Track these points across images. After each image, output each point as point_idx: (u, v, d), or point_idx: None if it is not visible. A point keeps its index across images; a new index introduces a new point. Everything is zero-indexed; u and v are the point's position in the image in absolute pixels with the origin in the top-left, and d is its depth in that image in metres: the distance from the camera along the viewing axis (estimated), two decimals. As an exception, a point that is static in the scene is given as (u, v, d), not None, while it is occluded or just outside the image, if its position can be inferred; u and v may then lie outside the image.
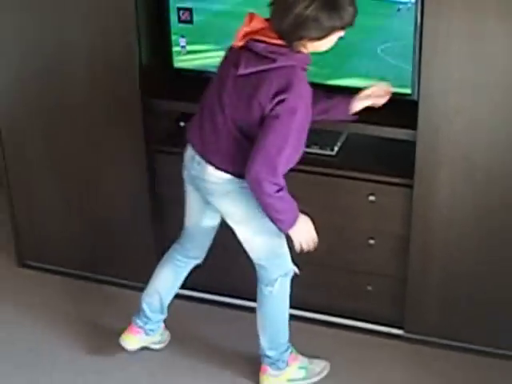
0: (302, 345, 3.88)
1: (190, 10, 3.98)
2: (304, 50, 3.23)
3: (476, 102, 3.57)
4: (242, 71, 3.20)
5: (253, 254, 3.62)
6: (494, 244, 3.81)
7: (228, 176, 3.37)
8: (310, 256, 3.63)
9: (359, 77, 3.70)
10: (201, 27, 4.03)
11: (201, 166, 3.43)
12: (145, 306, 3.88)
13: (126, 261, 4.49)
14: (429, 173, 3.75)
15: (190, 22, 3.99)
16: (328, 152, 3.79)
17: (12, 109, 4.31)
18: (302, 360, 3.85)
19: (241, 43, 3.25)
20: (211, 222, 3.74)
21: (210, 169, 3.39)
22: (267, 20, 3.25)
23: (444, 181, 3.75)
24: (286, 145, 3.18)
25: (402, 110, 3.68)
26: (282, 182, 3.24)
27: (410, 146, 3.72)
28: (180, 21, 4.00)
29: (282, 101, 3.12)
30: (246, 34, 3.24)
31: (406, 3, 3.61)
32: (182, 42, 4.05)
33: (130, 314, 4.06)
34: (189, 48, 4.08)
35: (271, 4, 3.16)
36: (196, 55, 4.10)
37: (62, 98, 4.17)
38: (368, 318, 4.21)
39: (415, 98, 3.68)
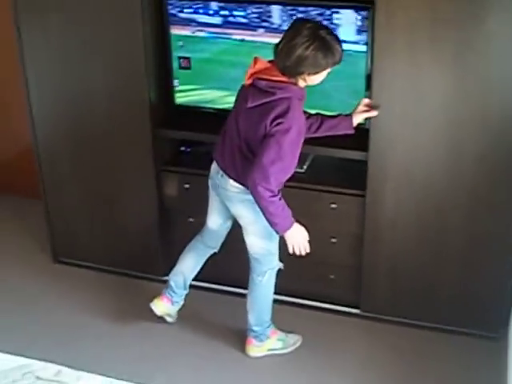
0: (280, 322, 3.92)
1: (188, 58, 3.97)
2: (302, 84, 3.29)
3: (415, 130, 3.61)
4: (250, 105, 3.27)
5: (252, 249, 3.66)
6: (430, 240, 3.83)
7: (243, 187, 3.41)
8: (286, 250, 3.61)
9: (322, 109, 3.69)
10: (196, 72, 4.01)
11: (223, 178, 3.48)
12: (172, 283, 3.92)
13: (138, 259, 4.47)
14: (378, 185, 3.78)
15: (189, 68, 3.99)
16: (298, 170, 3.80)
17: (49, 137, 4.29)
18: (280, 334, 3.88)
19: (249, 82, 3.32)
20: (227, 221, 3.77)
21: (231, 181, 3.45)
22: (269, 61, 3.30)
23: (390, 192, 3.78)
24: (279, 158, 3.21)
25: (356, 136, 3.66)
26: (275, 189, 3.25)
27: (363, 164, 3.76)
28: (180, 67, 3.99)
29: (279, 124, 3.18)
30: (252, 74, 3.31)
31: (360, 52, 3.63)
32: (176, 82, 4.05)
33: (143, 296, 4.14)
34: (185, 88, 4.07)
35: (276, 47, 3.22)
36: (192, 93, 4.09)
37: (88, 128, 4.16)
38: (331, 300, 4.22)
39: (367, 126, 3.69)
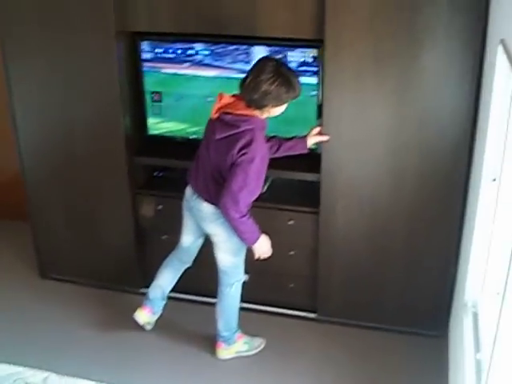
0: (246, 327, 4.11)
1: (159, 93, 4.15)
2: (264, 115, 3.47)
3: (361, 153, 3.80)
4: (218, 137, 3.47)
5: (222, 264, 3.84)
6: (377, 251, 4.03)
7: (216, 208, 3.60)
8: (250, 263, 3.86)
9: (280, 133, 3.84)
10: (167, 105, 4.16)
11: (198, 200, 3.68)
12: (152, 296, 4.08)
13: (117, 273, 4.59)
14: (329, 203, 3.99)
15: (160, 101, 4.16)
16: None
17: (34, 162, 4.43)
18: (246, 337, 4.10)
19: (216, 116, 3.50)
20: (198, 239, 3.95)
21: (205, 204, 3.65)
22: (233, 95, 3.51)
23: (341, 209, 3.98)
24: (246, 185, 3.42)
25: (310, 160, 3.88)
26: (245, 210, 3.48)
27: (317, 185, 3.97)
28: (153, 101, 4.17)
29: (244, 154, 3.39)
30: (219, 109, 3.49)
31: (312, 84, 3.83)
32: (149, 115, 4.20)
33: (122, 307, 4.32)
34: (157, 120, 4.21)
35: (243, 82, 3.40)
36: (163, 124, 4.23)
37: (69, 155, 4.31)
38: (291, 306, 4.39)
39: (319, 151, 3.88)
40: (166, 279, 4.10)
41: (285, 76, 3.39)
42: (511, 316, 2.52)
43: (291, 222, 4.12)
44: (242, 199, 3.45)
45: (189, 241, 3.96)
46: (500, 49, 2.74)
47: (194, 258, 4.06)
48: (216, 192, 3.55)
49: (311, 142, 3.82)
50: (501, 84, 2.91)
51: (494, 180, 3.09)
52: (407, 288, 4.12)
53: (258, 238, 3.65)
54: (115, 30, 3.91)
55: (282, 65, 3.45)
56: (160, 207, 4.25)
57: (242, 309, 4.08)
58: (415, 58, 3.55)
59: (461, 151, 3.69)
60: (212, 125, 3.56)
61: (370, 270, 4.13)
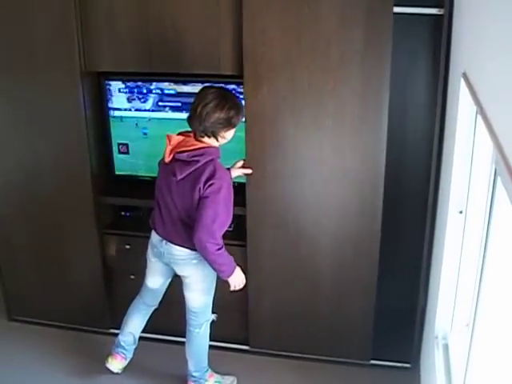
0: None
1: (126, 144, 4.16)
2: (219, 143, 3.46)
3: (287, 185, 3.82)
4: (179, 177, 3.41)
5: (192, 304, 3.78)
6: (305, 281, 4.01)
7: (190, 251, 3.55)
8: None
9: None
10: (133, 151, 4.16)
11: (169, 245, 3.60)
12: (123, 343, 4.01)
13: (86, 313, 4.51)
14: (256, 236, 4.00)
15: (127, 153, 4.18)
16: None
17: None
18: (217, 376, 4.02)
19: (170, 158, 3.45)
20: (165, 283, 3.89)
21: (177, 247, 3.58)
22: (180, 134, 3.49)
23: (266, 241, 3.99)
24: (218, 215, 3.40)
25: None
26: (221, 242, 3.45)
27: (243, 218, 3.98)
28: (119, 152, 4.18)
29: (210, 185, 3.37)
30: (172, 151, 3.44)
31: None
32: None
33: (91, 348, 4.26)
34: (124, 164, 4.20)
35: (191, 116, 3.39)
36: (130, 166, 4.22)
37: (36, 195, 4.25)
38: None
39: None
40: (134, 325, 4.03)
41: (231, 100, 3.41)
42: (481, 348, 2.51)
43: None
44: (216, 230, 3.43)
45: (157, 283, 3.89)
46: (462, 82, 2.75)
47: (160, 299, 3.99)
48: (187, 234, 3.52)
49: (234, 174, 3.80)
50: (465, 116, 2.92)
51: (461, 212, 3.09)
52: (337, 318, 4.13)
53: (234, 269, 3.62)
54: (80, 69, 3.89)
55: (224, 90, 3.47)
56: (128, 247, 4.20)
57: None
58: (330, 90, 3.58)
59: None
60: (168, 168, 3.50)
61: (299, 301, 4.15)
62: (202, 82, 3.76)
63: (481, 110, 2.23)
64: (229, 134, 3.49)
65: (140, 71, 3.95)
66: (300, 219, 3.90)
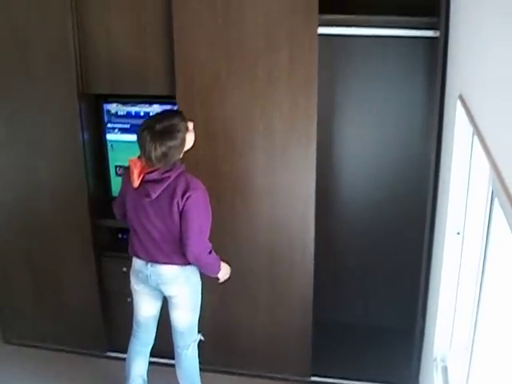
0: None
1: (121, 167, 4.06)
2: (182, 155, 3.41)
3: (219, 204, 3.74)
4: (154, 196, 3.38)
5: (178, 323, 3.72)
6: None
7: (176, 266, 3.54)
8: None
9: None
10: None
11: (154, 266, 3.56)
12: None
13: (83, 336, 4.49)
14: None
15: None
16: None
17: None
18: None
19: (139, 181, 3.39)
20: (156, 308, 3.79)
21: (163, 266, 3.55)
22: (139, 157, 3.40)
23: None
24: (202, 225, 3.44)
25: None
26: (210, 245, 3.49)
27: None
28: (117, 174, 4.15)
29: (188, 198, 3.35)
30: (140, 174, 3.39)
31: None
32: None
33: (87, 371, 4.23)
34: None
35: (148, 160, 3.30)
36: None
37: (33, 217, 4.25)
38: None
39: None
40: (139, 368, 3.94)
41: (164, 124, 3.31)
42: (479, 370, 2.49)
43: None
44: (203, 238, 3.48)
45: (147, 312, 3.81)
46: (458, 104, 2.76)
47: (154, 334, 3.91)
48: (171, 251, 3.52)
49: None
50: (461, 138, 2.93)
51: (459, 233, 3.09)
52: (275, 334, 4.15)
53: (220, 265, 3.67)
54: (77, 92, 3.91)
55: (154, 121, 3.34)
56: (124, 269, 4.10)
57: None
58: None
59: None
60: (138, 191, 3.45)
61: (237, 317, 4.19)
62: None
63: (477, 132, 2.24)
64: (189, 142, 3.45)
65: (139, 94, 3.97)
66: (236, 235, 3.95)
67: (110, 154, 4.17)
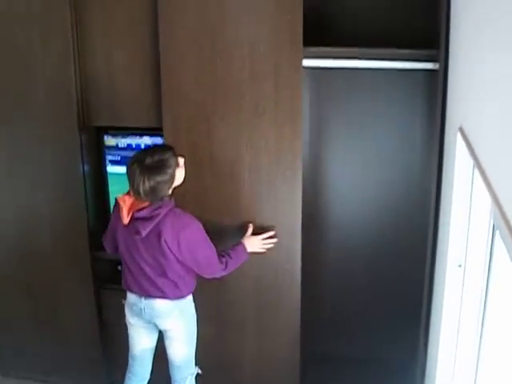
0: None
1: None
2: (171, 191, 3.42)
3: None
4: (144, 234, 3.37)
5: (175, 357, 3.71)
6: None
7: (169, 301, 3.53)
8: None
9: None
10: None
11: (148, 300, 3.55)
12: None
13: (82, 369, 4.45)
14: None
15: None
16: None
17: None
18: None
19: (128, 219, 3.39)
20: (152, 342, 3.77)
21: (157, 300, 3.54)
22: (128, 193, 3.42)
23: None
24: (207, 251, 3.47)
25: None
26: (223, 261, 3.51)
27: None
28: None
29: (184, 234, 3.37)
30: (129, 211, 3.39)
31: None
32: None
33: None
34: None
35: (137, 194, 3.31)
36: None
37: (33, 249, 4.25)
38: None
39: None
40: None
41: (155, 158, 3.32)
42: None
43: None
44: (214, 261, 3.50)
45: (143, 345, 3.79)
46: (459, 136, 2.75)
47: (150, 368, 3.88)
48: (164, 285, 3.51)
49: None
50: (462, 170, 2.92)
51: (460, 266, 3.07)
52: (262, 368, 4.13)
53: (245, 250, 3.67)
54: (78, 124, 3.93)
55: (144, 155, 3.34)
56: (124, 301, 4.08)
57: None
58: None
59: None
60: (128, 228, 3.44)
61: (224, 350, 4.15)
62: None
63: (478, 164, 2.23)
64: (178, 178, 3.46)
65: (140, 126, 4.01)
66: None
67: (110, 186, 4.16)
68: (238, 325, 4.07)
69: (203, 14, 3.61)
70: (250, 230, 3.77)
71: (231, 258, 3.57)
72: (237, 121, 3.70)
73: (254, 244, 3.71)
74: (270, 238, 3.78)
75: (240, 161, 3.75)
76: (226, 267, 3.54)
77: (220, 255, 3.55)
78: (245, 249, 3.66)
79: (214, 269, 3.53)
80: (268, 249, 3.77)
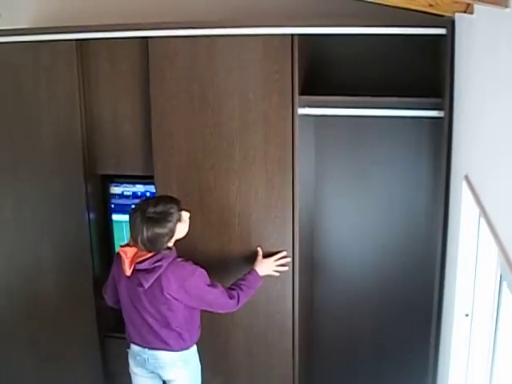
0: None
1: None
2: (173, 242, 3.40)
3: None
4: (146, 286, 3.34)
5: None
6: None
7: (174, 353, 3.50)
8: None
9: None
10: None
11: (152, 351, 3.52)
12: None
13: None
14: None
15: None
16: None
17: (1, 306, 4.36)
18: None
19: (130, 271, 3.37)
20: None
21: (161, 352, 3.50)
22: (133, 244, 3.38)
23: None
24: (217, 294, 3.43)
25: None
26: (235, 295, 3.46)
27: None
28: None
29: (189, 285, 3.35)
30: (131, 263, 3.37)
31: None
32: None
33: None
34: None
35: (136, 238, 3.29)
36: None
37: (37, 296, 4.25)
38: None
39: None
40: None
41: (157, 209, 3.31)
42: None
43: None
44: (224, 300, 3.45)
45: None
46: (464, 185, 2.74)
47: None
48: (168, 337, 3.48)
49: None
50: (468, 219, 2.90)
51: (467, 315, 3.03)
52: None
53: (258, 278, 3.64)
54: (84, 173, 3.97)
55: (148, 205, 3.34)
56: (128, 350, 4.04)
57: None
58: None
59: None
60: (131, 280, 3.42)
61: None
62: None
63: (484, 213, 2.22)
64: (180, 232, 3.44)
65: (144, 175, 4.01)
66: (213, 315, 3.76)
67: (116, 233, 4.18)
68: (231, 373, 4.04)
69: (193, 64, 3.66)
70: (261, 253, 3.77)
71: (242, 290, 3.53)
72: (227, 169, 3.73)
73: (267, 267, 3.71)
74: (283, 258, 3.77)
75: (230, 209, 3.77)
76: (239, 301, 3.50)
77: (231, 289, 3.53)
78: (257, 275, 3.64)
79: (225, 307, 3.50)
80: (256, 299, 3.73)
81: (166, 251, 3.38)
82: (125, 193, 4.12)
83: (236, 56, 3.61)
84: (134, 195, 4.10)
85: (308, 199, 3.99)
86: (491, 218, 2.10)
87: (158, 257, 3.35)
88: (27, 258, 4.21)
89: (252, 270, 3.66)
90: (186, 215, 3.45)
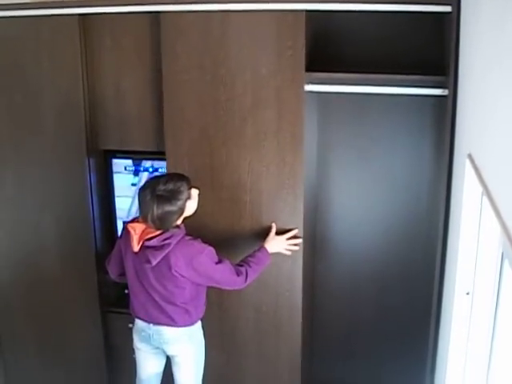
0: None
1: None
2: (182, 219, 3.40)
3: None
4: (154, 263, 3.34)
5: (183, 383, 3.69)
6: None
7: (178, 328, 3.51)
8: None
9: None
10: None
11: (156, 327, 3.54)
12: None
13: None
14: None
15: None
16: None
17: (3, 282, 4.38)
18: None
19: (139, 247, 3.37)
20: (159, 367, 3.76)
21: (166, 327, 3.52)
22: (139, 220, 3.40)
23: None
24: (225, 271, 3.43)
25: None
26: (243, 272, 3.46)
27: None
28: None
29: (198, 263, 3.35)
30: (139, 239, 3.37)
31: None
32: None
33: None
34: None
35: (145, 219, 3.31)
36: None
37: (39, 272, 4.27)
38: None
39: None
40: None
41: (167, 187, 3.31)
42: None
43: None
44: (232, 277, 3.45)
45: (150, 371, 3.77)
46: (467, 163, 2.73)
47: None
48: (174, 313, 3.49)
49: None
50: (470, 198, 2.89)
51: (468, 294, 3.03)
52: None
53: (267, 255, 3.62)
54: (87, 147, 3.96)
55: (158, 183, 3.34)
56: (130, 325, 4.03)
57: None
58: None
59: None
60: (138, 256, 3.42)
61: None
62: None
63: (486, 192, 2.21)
64: (189, 210, 3.44)
65: (147, 150, 4.01)
66: (222, 293, 3.85)
67: (118, 209, 4.18)
68: (239, 351, 4.05)
69: (206, 39, 3.62)
70: (274, 230, 3.74)
71: (250, 266, 3.52)
72: (239, 146, 3.71)
73: (278, 245, 3.69)
74: (295, 237, 3.75)
75: (241, 185, 3.75)
76: (247, 278, 3.49)
77: (239, 265, 3.52)
78: (266, 252, 3.62)
79: (233, 283, 3.49)
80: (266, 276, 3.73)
81: (175, 229, 3.38)
82: (127, 168, 4.11)
83: (249, 31, 3.57)
84: (137, 170, 4.10)
85: (311, 177, 3.98)
86: (494, 197, 2.09)
87: (167, 234, 3.34)
88: (29, 233, 4.21)
89: (262, 248, 3.64)
90: (195, 192, 3.45)
